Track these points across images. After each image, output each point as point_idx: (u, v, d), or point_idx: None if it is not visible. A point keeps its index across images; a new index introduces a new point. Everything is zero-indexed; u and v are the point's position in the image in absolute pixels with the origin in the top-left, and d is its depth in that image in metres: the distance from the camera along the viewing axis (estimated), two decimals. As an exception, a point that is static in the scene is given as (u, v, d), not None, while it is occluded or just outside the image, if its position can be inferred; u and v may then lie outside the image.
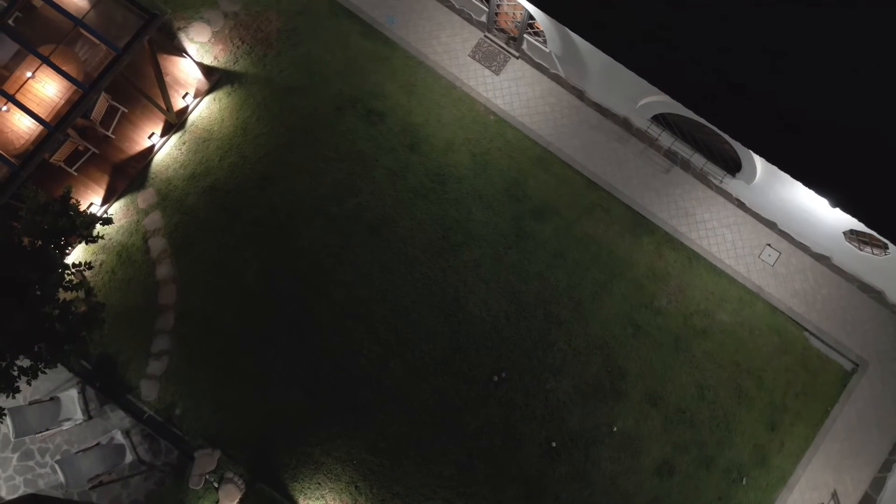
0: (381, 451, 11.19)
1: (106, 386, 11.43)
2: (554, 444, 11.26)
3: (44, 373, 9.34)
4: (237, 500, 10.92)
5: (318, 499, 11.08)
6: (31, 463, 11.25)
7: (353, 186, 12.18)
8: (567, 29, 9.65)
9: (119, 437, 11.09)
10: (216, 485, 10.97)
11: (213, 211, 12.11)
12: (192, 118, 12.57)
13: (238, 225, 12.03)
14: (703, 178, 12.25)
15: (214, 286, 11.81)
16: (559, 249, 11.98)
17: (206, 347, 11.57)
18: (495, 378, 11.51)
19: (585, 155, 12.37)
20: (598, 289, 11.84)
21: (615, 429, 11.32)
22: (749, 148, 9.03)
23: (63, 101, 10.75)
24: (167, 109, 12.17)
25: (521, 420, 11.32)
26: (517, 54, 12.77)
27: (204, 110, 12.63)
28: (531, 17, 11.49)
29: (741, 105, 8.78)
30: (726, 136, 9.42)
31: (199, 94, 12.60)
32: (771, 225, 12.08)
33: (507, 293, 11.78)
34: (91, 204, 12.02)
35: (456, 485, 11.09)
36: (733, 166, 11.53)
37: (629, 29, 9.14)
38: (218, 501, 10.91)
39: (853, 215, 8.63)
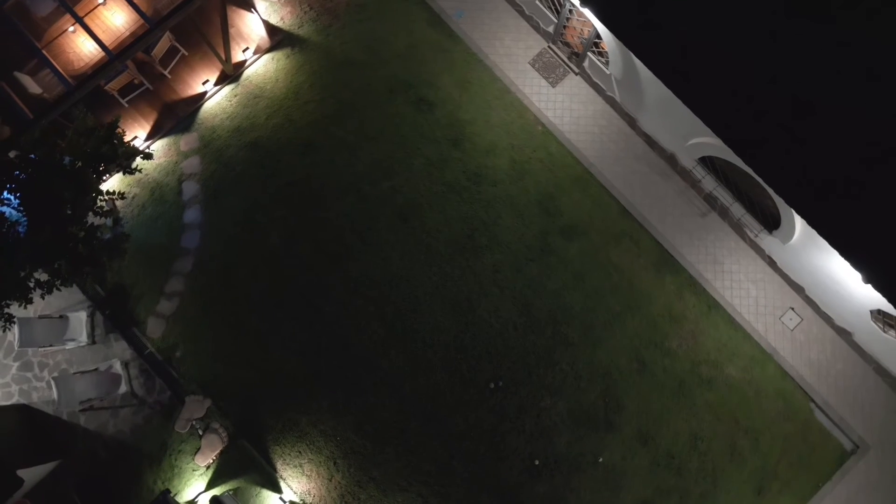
0: (366, 434, 11.22)
1: (115, 315, 11.63)
2: (537, 463, 11.19)
3: (59, 289, 9.54)
4: (218, 451, 11.04)
5: (296, 467, 11.15)
6: (29, 374, 11.50)
7: (390, 170, 12.22)
8: (632, 56, 9.59)
9: (117, 367, 11.29)
10: (200, 432, 11.10)
11: (250, 167, 12.25)
12: (247, 73, 12.72)
13: (271, 185, 12.15)
14: (738, 228, 12.07)
15: (237, 240, 11.94)
16: (581, 271, 11.90)
17: (217, 297, 11.71)
18: (492, 385, 11.47)
19: (625, 183, 12.26)
20: (612, 318, 11.73)
21: (601, 460, 11.22)
22: (793, 207, 8.87)
23: (128, 33, 10.95)
24: (226, 60, 12.33)
25: (510, 432, 11.27)
26: (577, 70, 12.70)
27: (260, 67, 12.78)
28: (598, 36, 11.41)
29: (794, 163, 8.64)
30: (771, 191, 9.27)
31: (259, 51, 12.75)
32: (798, 289, 11.86)
33: (520, 304, 11.73)
34: (135, 137, 12.23)
35: (433, 482, 11.08)
36: (772, 223, 11.33)
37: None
38: (200, 449, 11.03)
39: (884, 295, 8.44)
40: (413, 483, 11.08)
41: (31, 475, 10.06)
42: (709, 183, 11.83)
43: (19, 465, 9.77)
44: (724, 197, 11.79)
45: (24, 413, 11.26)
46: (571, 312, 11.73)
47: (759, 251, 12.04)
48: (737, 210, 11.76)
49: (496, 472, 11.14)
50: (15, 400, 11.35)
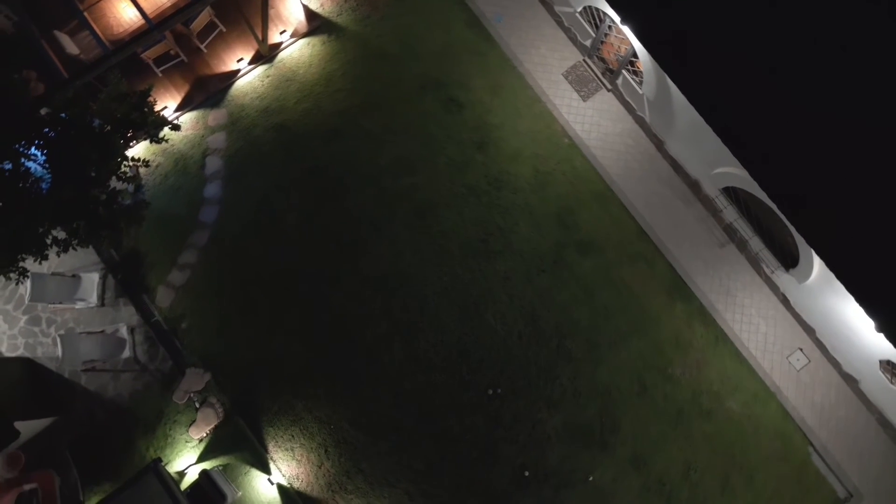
0: (360, 426, 11.25)
1: (126, 280, 11.74)
2: (527, 474, 11.15)
3: (74, 249, 9.64)
4: (212, 425, 11.11)
5: (287, 450, 11.20)
6: (36, 329, 11.63)
7: (413, 166, 12.23)
8: (667, 79, 9.53)
9: (123, 332, 11.39)
10: (197, 405, 11.18)
11: (274, 148, 12.31)
12: (282, 55, 12.79)
13: (294, 169, 12.21)
14: (755, 263, 11.96)
15: (254, 219, 12.01)
16: (592, 288, 11.84)
17: (228, 274, 11.78)
18: (490, 391, 11.45)
19: (646, 204, 12.19)
20: (618, 338, 11.67)
21: (591, 478, 11.16)
22: (814, 248, 8.78)
23: (169, 3, 11.05)
24: (262, 40, 12.40)
25: (503, 440, 11.25)
26: (609, 87, 12.64)
27: (295, 51, 12.84)
28: (635, 55, 11.36)
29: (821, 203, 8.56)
30: (793, 229, 9.19)
31: (296, 35, 12.82)
32: (809, 330, 11.73)
33: (528, 314, 11.69)
34: (165, 107, 12.34)
35: (421, 480, 11.08)
36: (790, 260, 11.22)
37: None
38: (195, 421, 11.11)
39: (897, 346, 8.34)
40: (401, 480, 11.09)
41: (27, 428, 10.18)
42: (730, 214, 11.73)
43: (17, 417, 9.87)
44: (745, 229, 11.69)
45: (27, 366, 11.38)
46: (578, 327, 11.68)
47: (774, 288, 11.92)
48: (756, 244, 11.66)
49: (485, 478, 11.12)
50: (20, 353, 11.49)
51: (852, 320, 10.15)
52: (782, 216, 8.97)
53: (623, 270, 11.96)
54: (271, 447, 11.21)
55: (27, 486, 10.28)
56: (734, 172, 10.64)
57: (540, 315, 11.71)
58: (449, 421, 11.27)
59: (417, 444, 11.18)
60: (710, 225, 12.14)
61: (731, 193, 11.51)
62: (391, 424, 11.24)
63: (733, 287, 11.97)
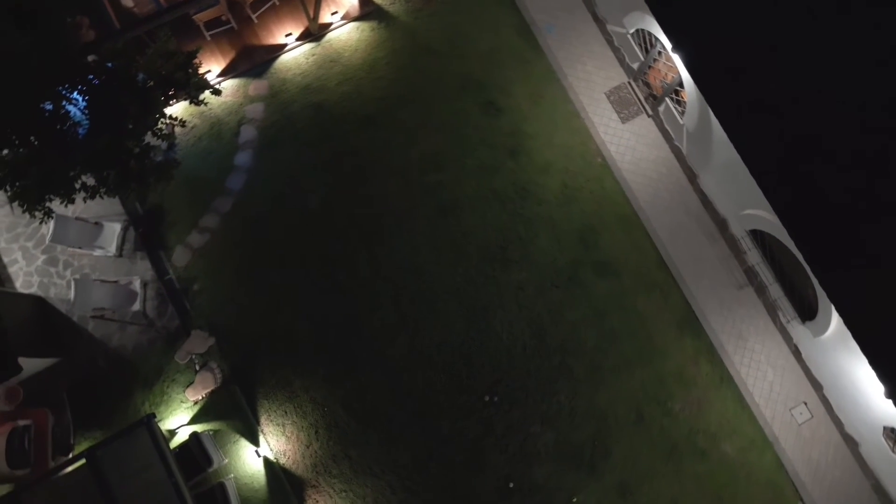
0: (354, 412, 11.28)
1: (146, 234, 11.87)
2: (511, 486, 11.11)
3: (101, 197, 9.74)
4: (209, 390, 11.21)
5: (278, 425, 11.26)
6: (52, 269, 11.80)
7: (442, 164, 12.23)
8: (711, 114, 9.43)
9: (136, 285, 11.52)
10: (197, 367, 11.28)
11: (309, 126, 12.37)
12: (330, 35, 12.86)
13: (325, 149, 12.26)
14: (771, 309, 11.81)
15: (279, 193, 12.08)
16: (603, 310, 11.77)
17: (245, 243, 11.87)
18: (487, 398, 11.42)
19: (670, 235, 12.09)
20: (622, 364, 11.58)
21: (575, 500, 11.08)
22: (835, 305, 8.63)
23: (228, -30, 11.15)
24: (313, 18, 12.47)
25: (492, 448, 11.21)
26: (650, 112, 12.55)
27: (344, 34, 12.90)
28: (681, 84, 11.26)
29: (850, 261, 8.42)
30: (816, 282, 9.05)
31: (347, 18, 12.87)
32: (817, 385, 11.55)
33: (535, 327, 11.64)
34: (209, 71, 12.45)
35: (405, 476, 11.09)
36: (808, 313, 11.06)
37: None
38: (192, 383, 11.22)
39: (905, 415, 8.18)
40: (386, 472, 11.10)
41: (29, 365, 10.31)
42: (754, 257, 11.59)
43: (22, 352, 9.98)
44: (766, 275, 11.55)
45: (38, 305, 11.56)
46: (583, 348, 11.61)
47: (787, 338, 11.76)
48: (775, 291, 11.50)
49: (469, 483, 11.10)
50: (33, 290, 11.66)
51: (862, 382, 9.98)
52: (808, 268, 8.84)
53: (637, 297, 11.87)
54: (263, 420, 11.28)
55: (22, 422, 10.45)
56: (764, 216, 10.50)
57: (547, 329, 11.65)
58: (442, 421, 11.27)
59: (407, 440, 11.19)
60: (732, 265, 12.01)
61: (758, 236, 11.38)
62: (384, 416, 11.25)
63: (746, 331, 11.82)
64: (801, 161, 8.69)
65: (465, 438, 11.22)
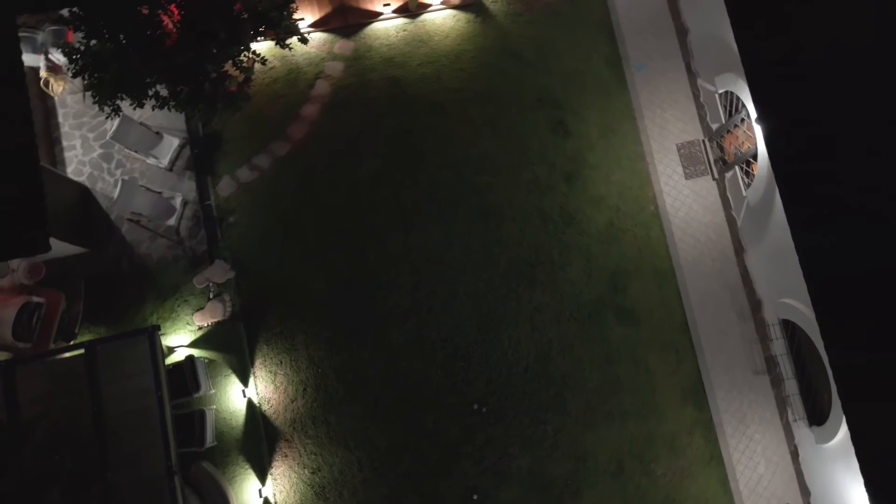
0: (345, 381, 11.37)
1: (200, 157, 12.13)
2: (475, 497, 11.06)
3: (169, 110, 10.02)
4: (216, 320, 11.42)
5: (270, 372, 11.42)
6: (104, 165, 12.16)
7: (497, 168, 12.22)
8: (777, 195, 9.20)
9: (177, 202, 11.80)
10: (210, 295, 11.50)
11: (381, 97, 12.48)
12: (426, 16, 12.95)
13: (390, 123, 12.35)
14: (781, 404, 11.52)
15: (334, 152, 12.22)
16: (613, 356, 11.63)
17: (290, 191, 12.03)
18: (475, 406, 11.39)
19: (701, 301, 11.87)
20: (617, 413, 11.43)
21: (475, 497, 10.98)
22: (847, 416, 8.36)
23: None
24: (414, -5, 12.58)
25: (467, 456, 11.18)
26: (716, 176, 12.34)
27: (439, 18, 12.97)
28: (755, 157, 11.04)
29: (873, 377, 8.16)
30: (834, 389, 8.80)
31: (447, 4, 12.94)
32: (805, 492, 11.23)
33: (542, 352, 11.57)
34: (302, 18, 12.60)
35: (376, 456, 11.14)
36: (817, 418, 10.75)
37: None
38: (202, 309, 11.45)
39: (888, 548, 7.89)
40: (359, 448, 11.17)
41: (58, 248, 10.61)
42: (779, 346, 11.31)
43: (55, 234, 10.29)
44: (786, 368, 11.26)
45: (82, 194, 11.92)
46: (583, 387, 11.49)
47: (789, 436, 11.46)
48: (790, 387, 11.21)
49: (435, 484, 11.09)
50: (82, 179, 12.03)
51: (853, 500, 9.67)
52: (830, 376, 8.57)
53: (651, 353, 11.69)
54: (258, 363, 11.45)
55: (36, 299, 10.80)
56: (802, 310, 10.24)
57: (553, 358, 11.57)
58: (426, 416, 11.28)
59: (388, 424, 11.24)
60: (754, 349, 11.74)
61: (788, 327, 11.10)
62: (373, 394, 11.32)
63: (750, 417, 11.55)
64: (860, 280, 8.35)
65: (443, 439, 11.22)
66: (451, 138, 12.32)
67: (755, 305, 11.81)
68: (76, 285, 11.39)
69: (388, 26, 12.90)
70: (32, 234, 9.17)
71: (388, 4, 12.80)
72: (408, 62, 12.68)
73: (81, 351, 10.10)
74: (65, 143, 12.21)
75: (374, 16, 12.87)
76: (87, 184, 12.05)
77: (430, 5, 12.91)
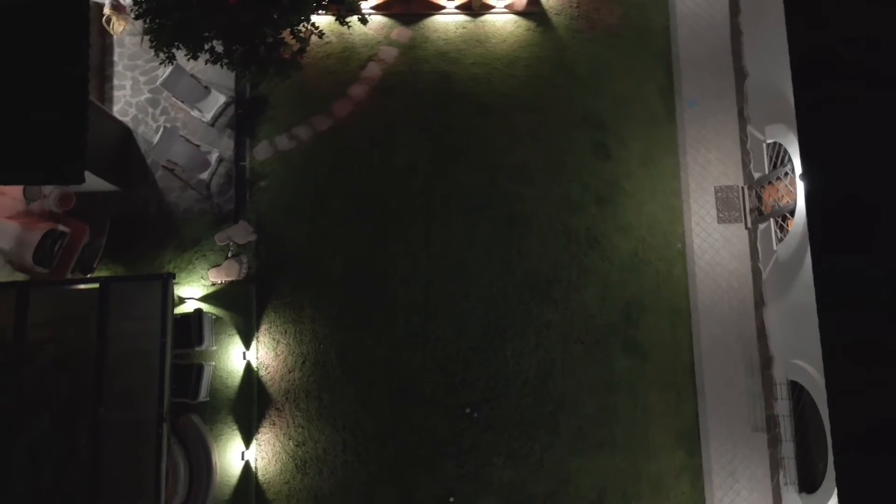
0: (344, 362, 11.42)
1: (243, 118, 12.27)
2: (452, 500, 11.06)
3: (221, 66, 10.16)
4: (230, 279, 11.56)
5: (273, 340, 11.51)
6: (150, 110, 12.35)
7: (531, 179, 12.17)
8: (808, 255, 9.00)
9: (213, 157, 11.95)
10: (229, 254, 11.64)
11: (429, 89, 12.50)
12: (487, 17, 12.94)
13: (433, 118, 12.37)
14: (775, 465, 11.32)
15: (373, 135, 12.26)
16: (614, 386, 11.52)
17: (324, 166, 12.11)
18: (467, 410, 11.37)
19: (711, 348, 11.72)
20: (607, 443, 11.33)
21: (452, 500, 10.98)
22: (838, 491, 8.18)
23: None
24: (479, -5, 12.58)
25: (451, 458, 11.17)
26: (749, 225, 12.17)
27: (500, 21, 12.96)
28: (793, 213, 10.86)
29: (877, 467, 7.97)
30: (831, 459, 8.62)
31: (510, 9, 12.92)
32: (783, 557, 11.04)
33: (544, 369, 11.51)
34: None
35: (361, 441, 11.18)
36: (808, 485, 10.55)
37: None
38: (218, 266, 11.59)
39: None
40: (345, 429, 11.21)
41: (91, 182, 10.78)
42: (783, 407, 11.11)
43: (91, 168, 10.47)
44: (786, 430, 11.06)
45: (123, 134, 12.13)
46: (578, 410, 11.41)
47: (777, 498, 11.25)
48: (787, 450, 11.01)
49: (415, 479, 11.10)
50: (126, 120, 12.24)
51: (830, 577, 9.48)
52: (830, 446, 8.40)
53: (652, 390, 11.57)
54: (263, 329, 11.55)
55: (61, 227, 11.02)
56: (812, 375, 10.06)
57: (553, 377, 11.50)
58: (417, 411, 11.29)
59: (378, 411, 11.27)
60: (757, 405, 11.55)
61: (795, 389, 10.90)
62: (368, 379, 11.37)
63: (740, 472, 11.37)
64: (878, 363, 8.15)
65: (431, 436, 11.22)
66: (490, 142, 12.30)
67: (766, 361, 11.62)
68: (102, 221, 11.59)
69: (447, 21, 12.92)
70: (69, 164, 9.34)
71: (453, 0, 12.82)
72: (461, 59, 12.69)
73: (96, 285, 10.27)
74: (115, 82, 12.43)
75: (437, 8, 12.90)
76: (130, 125, 12.25)
77: (493, 7, 12.90)
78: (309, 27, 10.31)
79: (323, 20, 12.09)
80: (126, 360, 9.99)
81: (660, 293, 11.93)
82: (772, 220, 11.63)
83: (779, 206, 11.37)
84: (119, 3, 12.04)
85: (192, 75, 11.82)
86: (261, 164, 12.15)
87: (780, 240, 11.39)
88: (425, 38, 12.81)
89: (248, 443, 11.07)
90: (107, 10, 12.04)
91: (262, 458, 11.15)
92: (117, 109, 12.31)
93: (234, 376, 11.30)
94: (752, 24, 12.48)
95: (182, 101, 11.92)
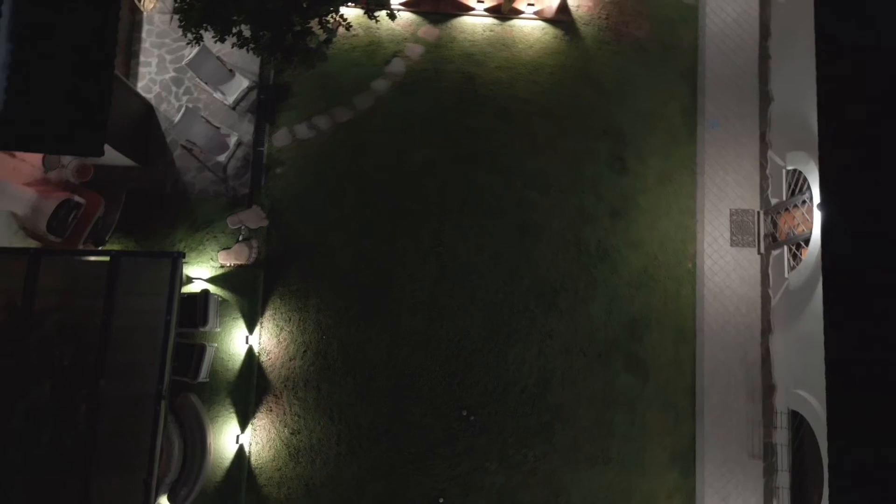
0: (345, 354, 11.44)
1: (264, 103, 12.32)
2: (441, 501, 11.05)
3: (247, 51, 10.17)
4: (239, 263, 11.61)
5: (277, 327, 11.54)
6: (174, 88, 12.42)
7: (547, 187, 12.14)
8: (819, 286, 8.93)
9: (232, 141, 12.01)
10: (240, 238, 11.69)
11: (452, 90, 12.49)
12: (515, 22, 12.91)
13: (453, 117, 12.36)
14: (769, 494, 11.23)
15: (390, 132, 12.27)
16: (612, 401, 11.47)
17: (341, 158, 12.13)
18: (464, 413, 11.36)
19: (714, 371, 11.64)
20: (601, 458, 11.28)
21: (441, 500, 10.98)
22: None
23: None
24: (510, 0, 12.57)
25: (444, 459, 11.16)
26: (762, 250, 12.08)
27: (527, 27, 12.93)
28: (807, 242, 10.77)
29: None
30: (827, 494, 8.53)
31: (539, 15, 12.89)
32: (770, 588, 10.95)
33: (543, 378, 11.48)
34: (395, -4, 12.75)
35: (355, 435, 11.19)
36: (801, 517, 10.47)
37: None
38: (229, 248, 11.65)
39: None
40: (341, 421, 11.23)
41: (110, 156, 10.84)
42: (782, 436, 11.02)
43: (110, 142, 10.52)
44: (782, 459, 10.97)
45: (145, 110, 12.20)
46: (575, 423, 11.37)
47: (768, 527, 11.17)
48: (782, 479, 10.93)
49: (406, 477, 11.10)
50: (149, 97, 12.32)
51: None
52: (826, 478, 8.31)
53: (651, 409, 11.51)
54: (268, 315, 11.59)
55: (77, 198, 11.10)
56: (814, 406, 9.97)
57: (552, 387, 11.47)
58: (414, 409, 11.29)
59: (375, 406, 11.28)
60: (755, 432, 11.47)
61: (796, 419, 10.81)
62: (367, 374, 11.38)
63: (733, 498, 11.29)
64: (882, 398, 8.05)
65: (425, 436, 11.22)
66: (509, 146, 12.28)
67: (768, 389, 11.53)
68: (118, 195, 11.66)
69: (475, 22, 12.91)
70: (90, 136, 9.38)
71: (482, 1, 12.80)
72: (486, 62, 12.68)
73: (107, 258, 10.31)
74: (142, 59, 12.51)
75: (466, 9, 12.89)
76: (153, 102, 12.32)
77: (522, 12, 12.87)
78: (337, 18, 10.32)
79: (351, 12, 12.13)
80: (130, 335, 10.03)
81: (666, 311, 11.86)
82: (785, 247, 11.54)
83: (794, 234, 11.27)
84: (151, -20, 12.12)
85: (217, 58, 11.87)
86: (278, 151, 12.19)
87: (792, 268, 11.29)
88: (452, 38, 12.80)
89: (243, 427, 11.11)
90: (138, -13, 12.13)
91: (257, 444, 11.19)
92: (141, 86, 12.39)
93: (235, 360, 11.34)
94: (781, 48, 12.39)
95: (206, 83, 11.98)
